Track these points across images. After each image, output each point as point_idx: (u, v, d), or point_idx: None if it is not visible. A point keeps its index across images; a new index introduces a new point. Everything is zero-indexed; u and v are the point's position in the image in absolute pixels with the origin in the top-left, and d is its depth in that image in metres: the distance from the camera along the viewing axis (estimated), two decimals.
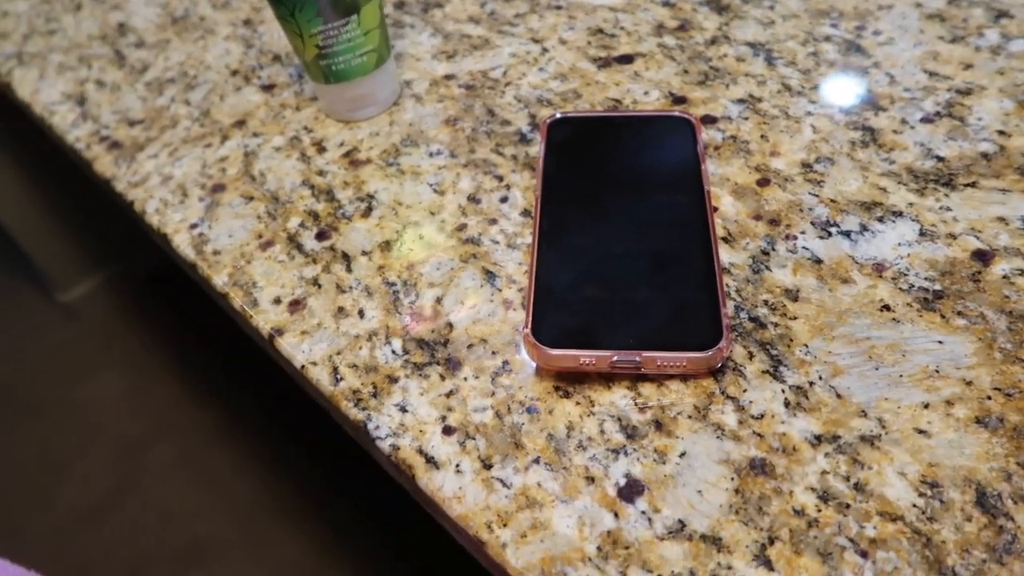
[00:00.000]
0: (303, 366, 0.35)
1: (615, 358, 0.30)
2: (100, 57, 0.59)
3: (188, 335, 1.42)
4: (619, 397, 0.31)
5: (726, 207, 0.37)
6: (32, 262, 1.38)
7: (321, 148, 0.46)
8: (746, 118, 0.41)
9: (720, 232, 0.36)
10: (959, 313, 0.31)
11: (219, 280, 0.40)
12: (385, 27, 0.45)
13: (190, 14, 0.62)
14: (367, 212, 0.41)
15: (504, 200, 0.40)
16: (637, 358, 0.30)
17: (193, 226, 0.43)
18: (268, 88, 0.52)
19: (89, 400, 1.36)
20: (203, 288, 0.44)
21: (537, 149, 0.43)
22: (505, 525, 0.28)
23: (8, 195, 1.22)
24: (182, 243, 0.43)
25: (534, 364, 0.33)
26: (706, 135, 0.41)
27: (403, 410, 0.33)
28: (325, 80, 0.45)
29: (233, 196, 0.44)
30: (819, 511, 0.27)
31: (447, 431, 0.32)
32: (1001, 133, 0.37)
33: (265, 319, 0.38)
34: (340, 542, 1.09)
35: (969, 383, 0.29)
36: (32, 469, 1.27)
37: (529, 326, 0.32)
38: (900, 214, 0.35)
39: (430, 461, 0.31)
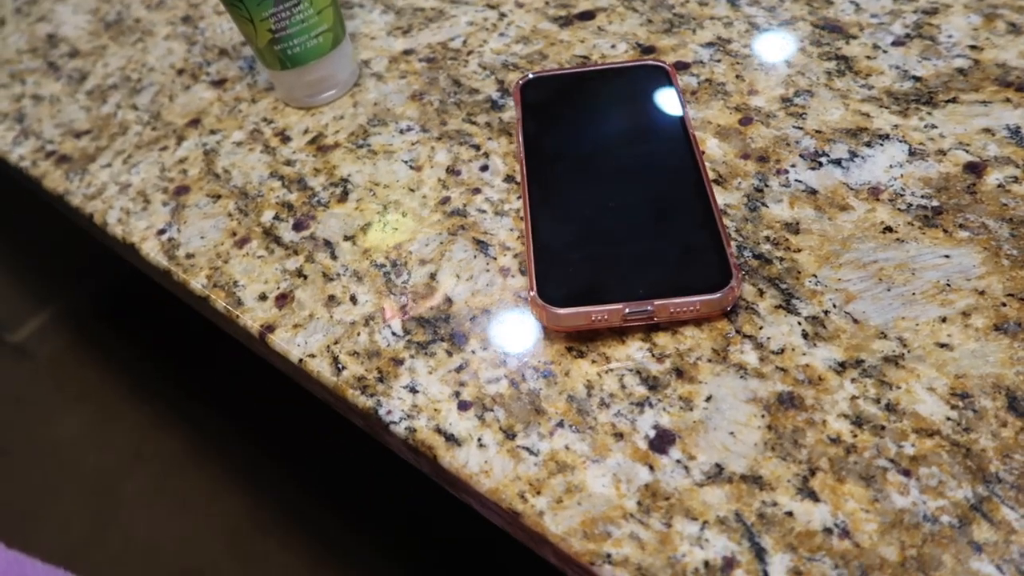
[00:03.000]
0: (301, 359, 0.34)
1: (627, 310, 0.30)
2: (33, 71, 0.56)
3: (145, 362, 1.38)
4: (635, 350, 0.30)
5: (712, 149, 0.37)
6: None
7: (285, 138, 0.44)
8: (718, 60, 0.41)
9: (711, 175, 0.36)
10: (961, 226, 0.31)
11: (197, 284, 0.38)
12: (338, 5, 0.43)
13: (124, 17, 0.59)
14: (343, 196, 0.40)
15: (485, 168, 0.39)
16: (649, 307, 0.30)
17: (161, 231, 0.41)
18: (219, 83, 0.50)
19: (56, 440, 1.31)
20: (179, 295, 0.42)
21: (511, 114, 0.41)
22: (539, 493, 0.27)
23: None
24: (152, 250, 0.40)
25: (542, 328, 0.32)
26: (681, 81, 0.40)
27: (413, 391, 0.31)
28: (281, 66, 0.43)
29: (199, 196, 0.42)
30: (855, 436, 0.26)
31: (463, 406, 0.30)
32: (973, 48, 0.37)
33: (253, 317, 0.36)
34: (330, 551, 1.07)
35: (982, 293, 0.29)
36: (7, 518, 1.22)
37: (535, 288, 0.31)
38: (887, 137, 0.35)
39: (450, 439, 0.30)
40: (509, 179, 0.38)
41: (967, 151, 0.33)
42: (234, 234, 0.40)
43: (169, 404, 1.32)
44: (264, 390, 1.28)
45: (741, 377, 0.29)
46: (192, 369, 1.33)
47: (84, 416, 1.34)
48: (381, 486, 1.12)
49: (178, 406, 1.31)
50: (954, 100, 0.35)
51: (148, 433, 1.29)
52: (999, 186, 0.32)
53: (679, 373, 0.29)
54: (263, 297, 0.37)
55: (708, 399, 0.29)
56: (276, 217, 0.40)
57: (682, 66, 0.41)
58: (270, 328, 0.35)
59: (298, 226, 0.39)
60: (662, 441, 0.28)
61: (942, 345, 0.28)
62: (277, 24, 0.41)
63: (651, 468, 0.27)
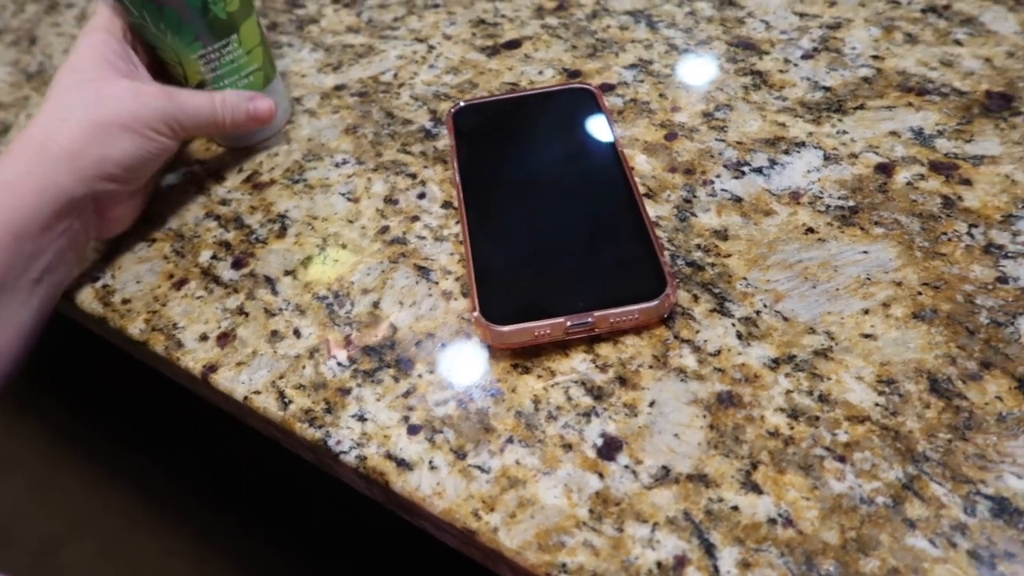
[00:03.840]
0: (246, 397, 0.33)
1: (569, 323, 0.30)
2: None
3: (84, 423, 1.33)
4: (578, 362, 0.31)
5: (641, 165, 0.38)
6: None
7: (219, 177, 0.44)
8: (641, 81, 0.42)
9: (641, 189, 0.37)
10: (876, 223, 0.33)
11: (134, 329, 0.37)
12: (267, 44, 0.44)
13: (45, 68, 0.58)
14: (282, 232, 0.40)
15: (422, 196, 0.40)
16: (590, 319, 0.30)
17: (95, 279, 0.40)
18: None
19: None
20: (116, 343, 0.41)
21: (445, 142, 0.42)
22: (492, 509, 0.28)
23: None
24: (86, 299, 0.40)
25: (487, 347, 0.32)
26: (608, 102, 0.42)
27: (362, 419, 0.31)
28: None
29: (133, 241, 0.42)
30: (792, 428, 0.28)
31: (412, 430, 0.31)
32: (875, 57, 0.40)
33: (194, 358, 0.35)
34: None
35: (899, 284, 0.31)
36: None
37: (478, 308, 0.31)
38: (803, 144, 0.37)
39: (401, 464, 0.30)
40: (447, 205, 0.39)
41: (877, 153, 0.35)
42: (171, 276, 0.39)
43: (110, 467, 1.27)
44: (210, 441, 1.24)
45: (682, 380, 0.30)
46: (132, 427, 1.29)
47: (18, 484, 1.28)
48: (341, 540, 1.10)
49: (121, 468, 1.26)
50: (862, 107, 0.38)
51: (89, 498, 1.24)
52: (908, 183, 0.34)
53: (622, 381, 0.30)
54: (204, 337, 0.36)
55: (652, 404, 0.29)
56: (214, 257, 0.40)
57: (607, 87, 0.43)
58: (212, 368, 0.35)
59: (237, 264, 0.39)
60: (610, 448, 0.28)
61: (866, 336, 0.29)
62: (207, 65, 0.41)
63: (601, 476, 0.28)
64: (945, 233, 0.32)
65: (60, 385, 1.38)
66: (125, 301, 0.39)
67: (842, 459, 0.26)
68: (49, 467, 1.28)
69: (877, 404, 0.28)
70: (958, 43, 0.39)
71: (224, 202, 0.43)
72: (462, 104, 0.41)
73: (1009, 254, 0.30)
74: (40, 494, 1.25)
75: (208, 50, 0.40)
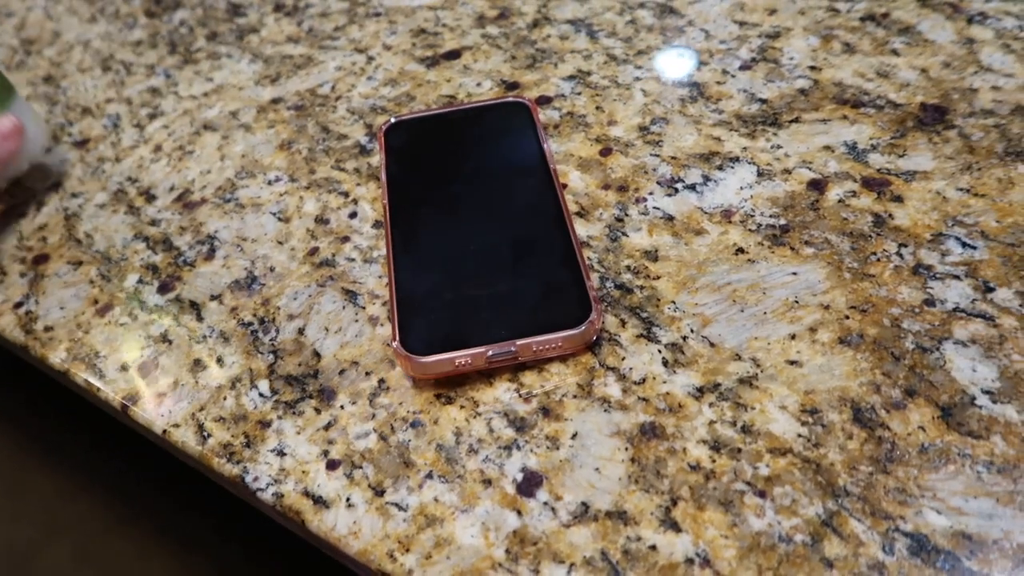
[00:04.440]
0: (165, 431, 0.32)
1: (490, 352, 0.30)
2: None
3: (57, 425, 1.31)
4: (502, 392, 0.30)
5: (575, 182, 0.37)
6: None
7: (150, 197, 0.43)
8: (579, 93, 0.41)
9: (573, 207, 0.36)
10: (806, 243, 0.32)
11: (56, 358, 0.36)
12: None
13: None
14: (210, 254, 0.39)
15: (353, 215, 0.39)
16: (512, 348, 0.30)
17: (18, 305, 0.39)
18: (82, 144, 0.48)
19: None
20: (41, 370, 0.40)
21: (378, 158, 0.41)
22: (408, 550, 0.27)
23: None
24: (8, 326, 0.38)
25: (411, 376, 0.31)
26: (543, 115, 0.41)
27: (281, 454, 0.30)
28: None
29: (59, 265, 0.41)
30: (713, 462, 0.27)
31: (331, 466, 0.30)
32: (812, 68, 0.39)
33: (114, 389, 0.34)
34: None
35: (827, 307, 0.30)
36: None
37: (397, 338, 0.30)
38: (737, 159, 0.36)
39: (318, 501, 0.29)
40: (377, 224, 0.38)
41: (810, 169, 0.35)
42: (96, 302, 0.38)
43: (85, 470, 1.25)
44: None
45: (605, 411, 0.29)
46: (105, 430, 1.27)
47: None
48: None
49: (95, 472, 1.24)
50: (797, 120, 0.37)
51: (64, 502, 1.22)
52: (839, 201, 0.33)
53: (545, 412, 0.29)
54: (125, 368, 0.35)
55: (574, 436, 0.29)
56: (140, 280, 0.39)
57: (545, 100, 0.42)
58: (133, 399, 0.34)
59: (163, 288, 0.38)
60: (529, 484, 0.28)
61: (792, 362, 0.29)
62: None
63: (519, 513, 0.27)
64: (875, 253, 0.31)
65: (32, 388, 1.36)
66: (48, 328, 0.38)
67: (762, 494, 0.26)
68: (17, 470, 1.26)
69: (800, 435, 0.27)
70: (895, 53, 0.39)
71: (154, 222, 0.41)
72: (393, 120, 0.40)
73: (937, 275, 0.30)
74: (14, 500, 1.23)
75: None
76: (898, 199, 0.33)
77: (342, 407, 0.31)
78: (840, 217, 0.33)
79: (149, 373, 0.35)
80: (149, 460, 1.25)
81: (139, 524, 1.19)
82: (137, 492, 1.21)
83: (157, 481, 1.22)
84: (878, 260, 0.31)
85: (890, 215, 0.32)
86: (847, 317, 0.29)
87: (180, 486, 1.21)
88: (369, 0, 0.52)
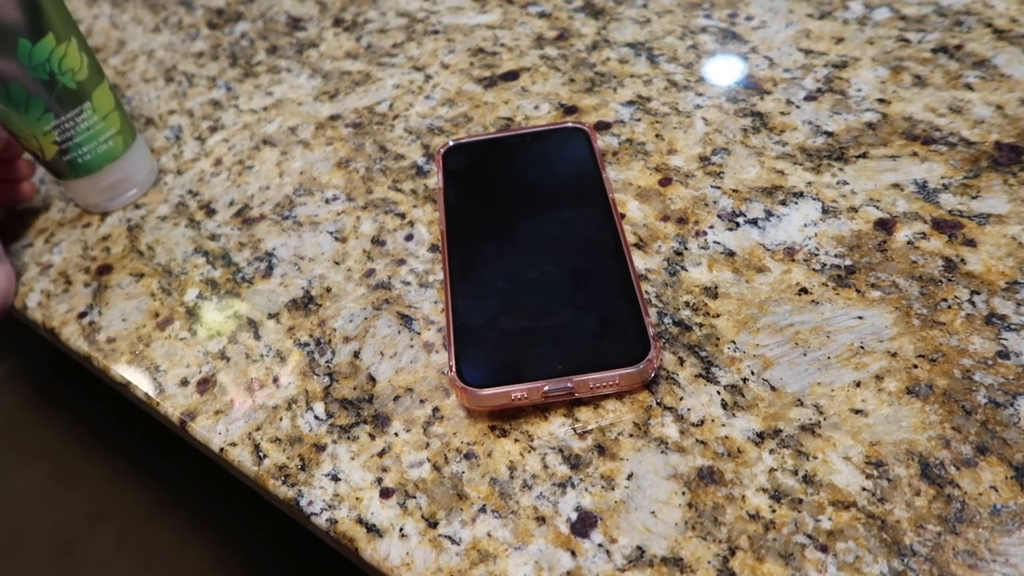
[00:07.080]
0: (222, 449, 0.33)
1: (547, 388, 0.29)
2: None
3: (107, 414, 1.35)
4: (557, 426, 0.30)
5: (633, 212, 0.37)
6: None
7: (210, 211, 0.44)
8: (638, 119, 0.41)
9: (631, 239, 0.36)
10: (873, 285, 0.31)
11: (118, 370, 0.37)
12: (122, 106, 0.44)
13: None
14: (268, 272, 0.39)
15: (409, 238, 0.39)
16: (569, 384, 0.29)
17: (82, 315, 0.40)
18: None
19: (12, 500, 1.27)
20: (103, 380, 0.40)
21: (435, 180, 0.41)
22: None
23: None
24: (72, 335, 0.39)
25: (465, 407, 0.31)
26: (602, 142, 0.40)
27: (335, 479, 0.31)
28: (75, 175, 0.43)
29: (121, 276, 0.42)
30: (773, 512, 0.26)
31: (385, 494, 0.30)
32: (881, 101, 0.38)
33: (174, 404, 0.35)
34: None
35: (894, 354, 0.29)
36: None
37: (454, 369, 0.30)
38: (801, 194, 0.35)
39: (372, 530, 0.29)
40: (434, 248, 0.38)
41: (877, 207, 0.34)
42: (157, 315, 0.39)
43: (129, 460, 1.28)
44: None
45: (662, 452, 0.29)
46: (152, 423, 1.30)
47: (41, 474, 1.30)
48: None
49: (139, 461, 1.27)
50: (864, 155, 0.36)
51: (108, 490, 1.25)
52: (908, 243, 0.32)
53: (601, 450, 0.29)
54: (184, 382, 0.36)
55: (630, 476, 0.28)
56: (200, 295, 0.39)
57: (603, 126, 0.41)
58: (191, 416, 0.34)
59: (222, 305, 0.38)
60: (584, 524, 0.27)
61: (857, 411, 0.28)
62: (62, 136, 0.41)
63: (573, 554, 0.27)
64: (945, 299, 0.30)
65: (83, 376, 1.39)
66: (110, 340, 0.39)
67: (824, 549, 0.25)
68: (73, 458, 1.30)
69: (864, 488, 0.26)
70: (969, 87, 0.37)
71: (213, 237, 0.42)
72: (451, 143, 0.40)
73: (1012, 326, 0.29)
74: (61, 485, 1.27)
75: (61, 120, 0.40)
76: (971, 243, 0.32)
77: (396, 434, 0.31)
78: (909, 260, 0.32)
79: (207, 390, 0.35)
80: (192, 451, 1.27)
81: (178, 516, 1.21)
82: (178, 485, 1.24)
83: (198, 472, 1.24)
84: (949, 307, 0.30)
85: (962, 260, 0.31)
86: (915, 366, 0.29)
87: (219, 478, 1.23)
88: (428, 17, 0.53)
